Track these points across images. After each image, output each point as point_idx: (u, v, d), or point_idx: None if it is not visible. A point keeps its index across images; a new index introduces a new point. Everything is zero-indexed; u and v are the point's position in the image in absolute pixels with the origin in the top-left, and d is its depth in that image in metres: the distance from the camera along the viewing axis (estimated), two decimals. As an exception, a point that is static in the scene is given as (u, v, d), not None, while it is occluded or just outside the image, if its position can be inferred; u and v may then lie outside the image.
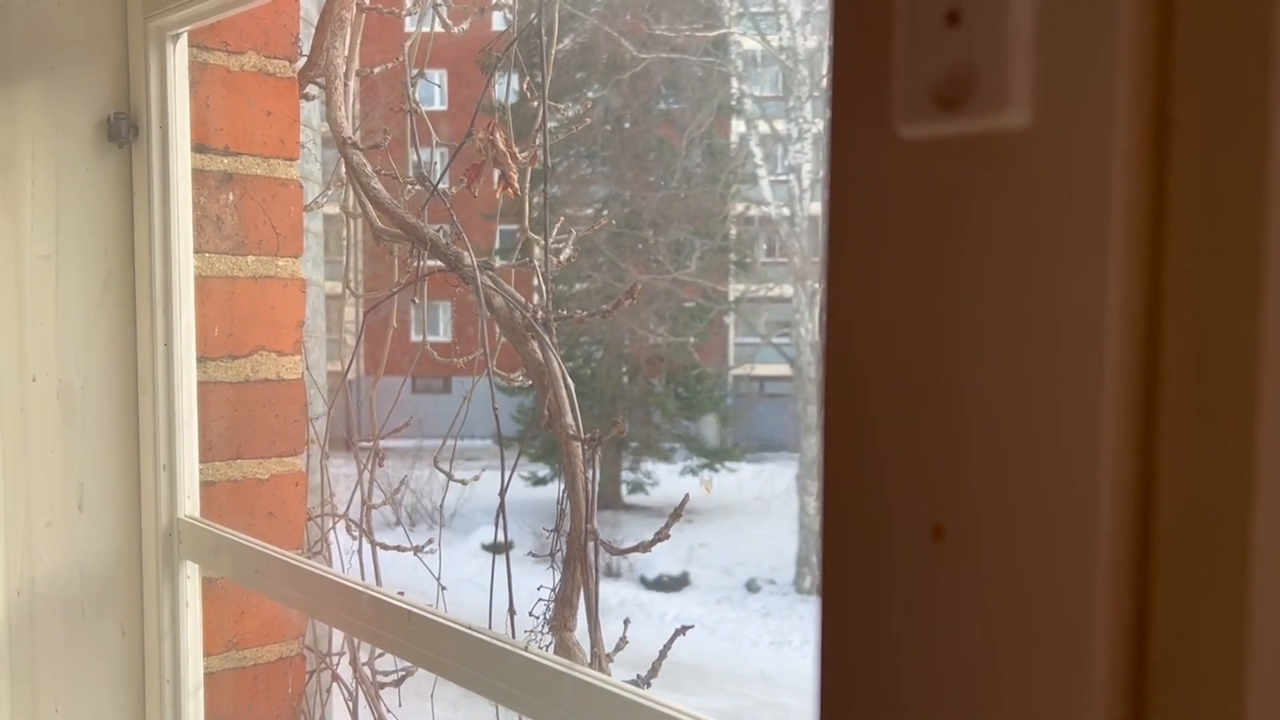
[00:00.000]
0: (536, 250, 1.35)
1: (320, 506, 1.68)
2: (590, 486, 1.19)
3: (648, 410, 13.34)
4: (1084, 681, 0.29)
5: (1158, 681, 0.29)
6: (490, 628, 0.99)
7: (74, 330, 1.35)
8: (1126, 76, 0.28)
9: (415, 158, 1.46)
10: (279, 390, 1.46)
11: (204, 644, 1.38)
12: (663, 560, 10.66)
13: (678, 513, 1.16)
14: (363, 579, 1.41)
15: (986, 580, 0.31)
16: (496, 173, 1.32)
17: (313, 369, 2.15)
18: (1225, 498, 0.28)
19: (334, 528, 1.66)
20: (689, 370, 13.38)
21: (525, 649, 0.91)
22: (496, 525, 1.24)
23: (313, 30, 1.55)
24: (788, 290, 12.05)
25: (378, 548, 1.54)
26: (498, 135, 1.30)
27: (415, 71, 1.53)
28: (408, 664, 1.37)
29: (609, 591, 9.74)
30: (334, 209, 1.93)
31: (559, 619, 1.19)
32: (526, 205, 1.37)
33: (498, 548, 1.19)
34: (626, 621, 1.25)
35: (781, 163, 11.86)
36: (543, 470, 12.16)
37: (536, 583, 1.24)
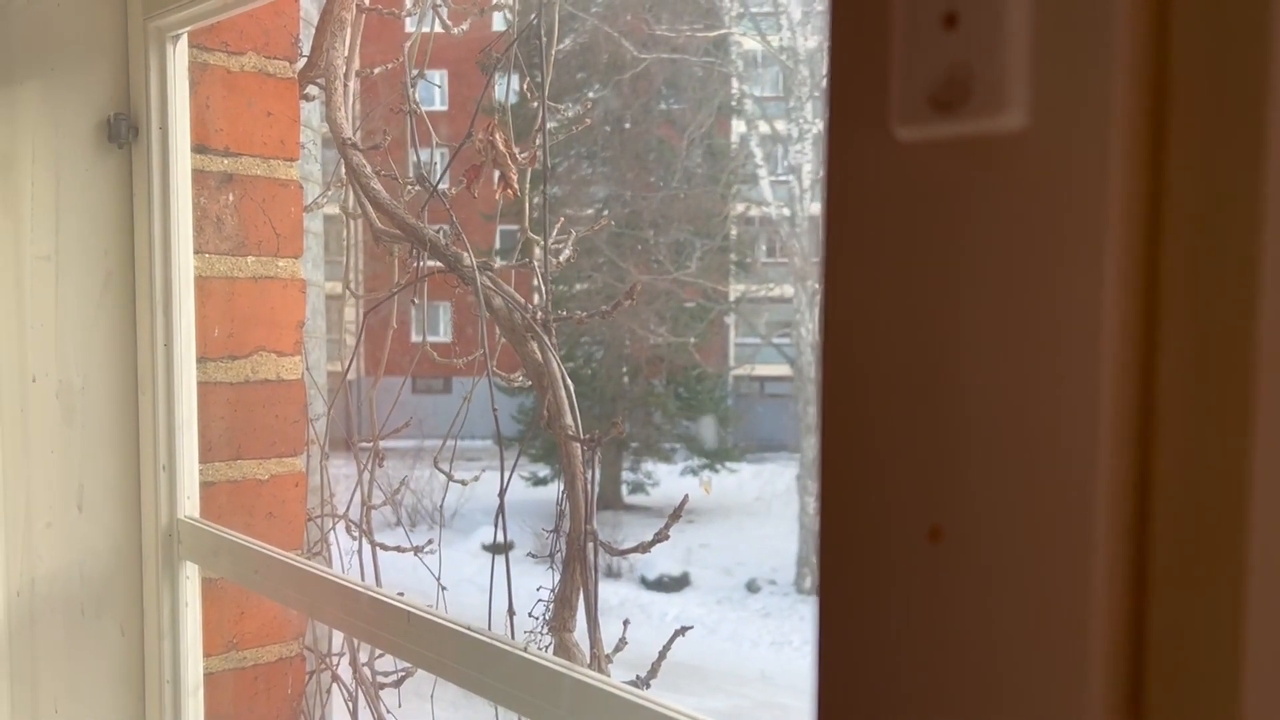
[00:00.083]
0: (536, 251, 1.35)
1: (320, 507, 1.69)
2: (590, 487, 1.19)
3: (648, 410, 13.34)
4: (1081, 682, 0.29)
5: (1155, 681, 0.29)
6: (490, 628, 0.99)
7: (74, 330, 1.35)
8: (1123, 78, 0.28)
9: (415, 158, 1.46)
10: (279, 391, 1.46)
11: (204, 644, 1.38)
12: (663, 561, 10.66)
13: (677, 513, 1.16)
14: (362, 579, 1.41)
15: (984, 581, 0.31)
16: (496, 173, 1.32)
17: (313, 369, 2.15)
18: (1222, 498, 0.28)
19: (334, 528, 1.66)
20: (689, 370, 13.38)
21: (525, 650, 0.91)
22: (496, 526, 1.24)
23: (313, 31, 1.55)
24: (788, 290, 12.05)
25: (378, 548, 1.54)
26: (497, 136, 1.30)
27: (415, 72, 1.53)
28: (407, 664, 1.37)
29: (609, 592, 9.74)
30: (334, 209, 1.93)
31: (558, 620, 1.19)
32: (526, 206, 1.37)
33: (497, 548, 1.19)
34: (626, 622, 1.25)
35: (782, 163, 11.86)
36: (543, 470, 12.16)
37: (536, 583, 1.24)
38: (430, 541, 1.55)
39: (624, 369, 13.26)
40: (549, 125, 1.31)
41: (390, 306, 1.60)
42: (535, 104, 1.32)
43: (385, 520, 1.72)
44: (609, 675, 1.01)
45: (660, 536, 1.14)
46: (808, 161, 10.97)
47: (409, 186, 1.51)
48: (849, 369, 0.34)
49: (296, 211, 1.47)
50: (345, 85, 1.45)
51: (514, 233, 1.56)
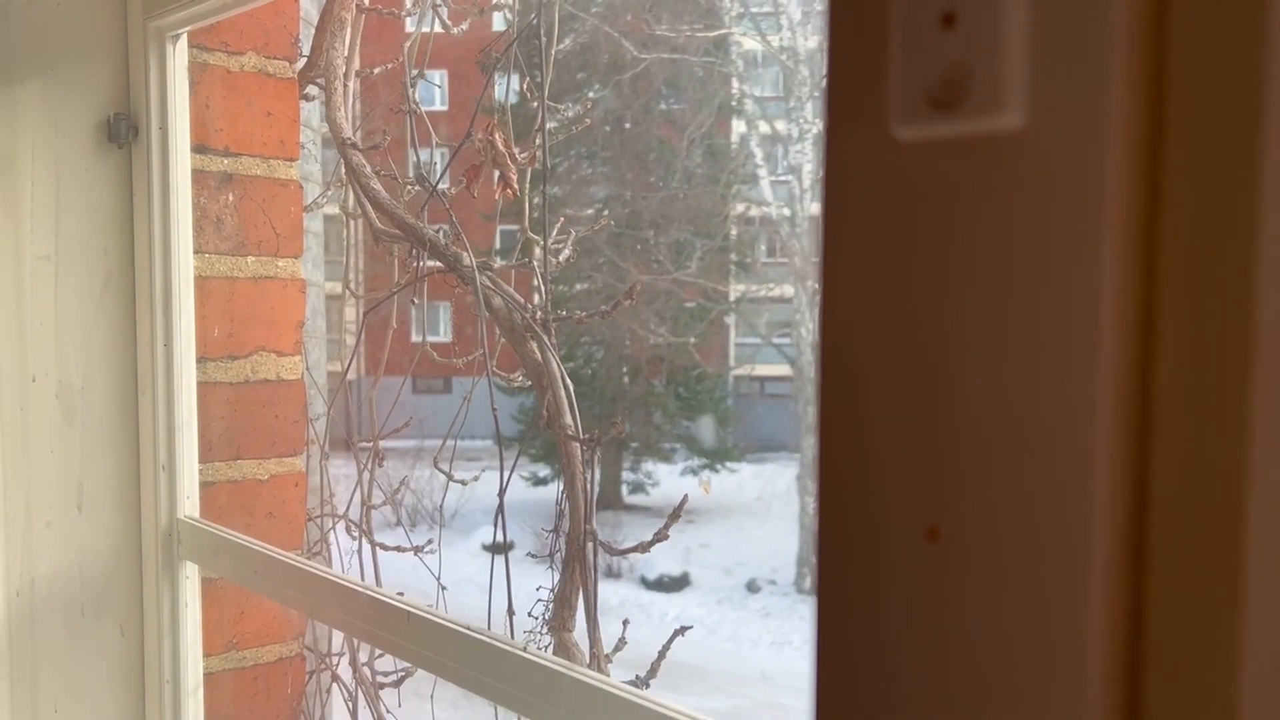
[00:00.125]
0: (536, 251, 1.35)
1: (320, 507, 1.69)
2: (589, 486, 1.19)
3: (648, 411, 13.34)
4: (1079, 681, 0.29)
5: (1153, 681, 0.29)
6: (489, 628, 0.99)
7: (74, 330, 1.35)
8: (1121, 78, 0.28)
9: (415, 158, 1.46)
10: (279, 390, 1.46)
11: (204, 644, 1.38)
12: (663, 561, 10.66)
13: (676, 513, 1.16)
14: (362, 579, 1.41)
15: (982, 580, 0.31)
16: (496, 173, 1.32)
17: (313, 369, 2.15)
18: (1220, 497, 0.28)
19: (334, 528, 1.66)
20: (689, 370, 13.38)
21: (524, 649, 0.91)
22: (496, 526, 1.24)
23: (313, 30, 1.55)
24: (788, 290, 12.05)
25: (378, 548, 1.54)
26: (497, 136, 1.30)
27: (415, 72, 1.53)
28: (407, 664, 1.37)
29: (610, 592, 9.74)
30: (334, 209, 1.93)
31: (558, 619, 1.19)
32: (526, 206, 1.37)
33: (497, 548, 1.19)
34: (625, 622, 1.25)
35: (782, 163, 11.87)
36: (543, 470, 12.16)
37: (536, 583, 1.24)
38: (430, 541, 1.55)
39: (624, 369, 13.26)
40: (549, 125, 1.31)
41: (390, 306, 1.60)
42: (535, 104, 1.32)
43: (385, 520, 1.72)
44: (608, 675, 1.01)
45: (660, 536, 1.14)
46: (808, 161, 10.97)
47: (409, 186, 1.51)
48: (847, 368, 0.34)
49: (296, 211, 1.47)
50: (345, 85, 1.45)
51: (514, 233, 1.56)
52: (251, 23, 1.41)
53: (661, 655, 1.16)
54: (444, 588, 1.49)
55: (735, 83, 12.82)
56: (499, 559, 1.18)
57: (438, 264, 1.35)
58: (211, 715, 1.39)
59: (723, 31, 11.88)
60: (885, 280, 0.33)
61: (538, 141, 1.31)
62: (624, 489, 13.18)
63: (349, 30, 1.47)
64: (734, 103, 12.95)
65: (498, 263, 1.34)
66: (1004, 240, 0.30)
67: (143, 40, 1.32)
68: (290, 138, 1.45)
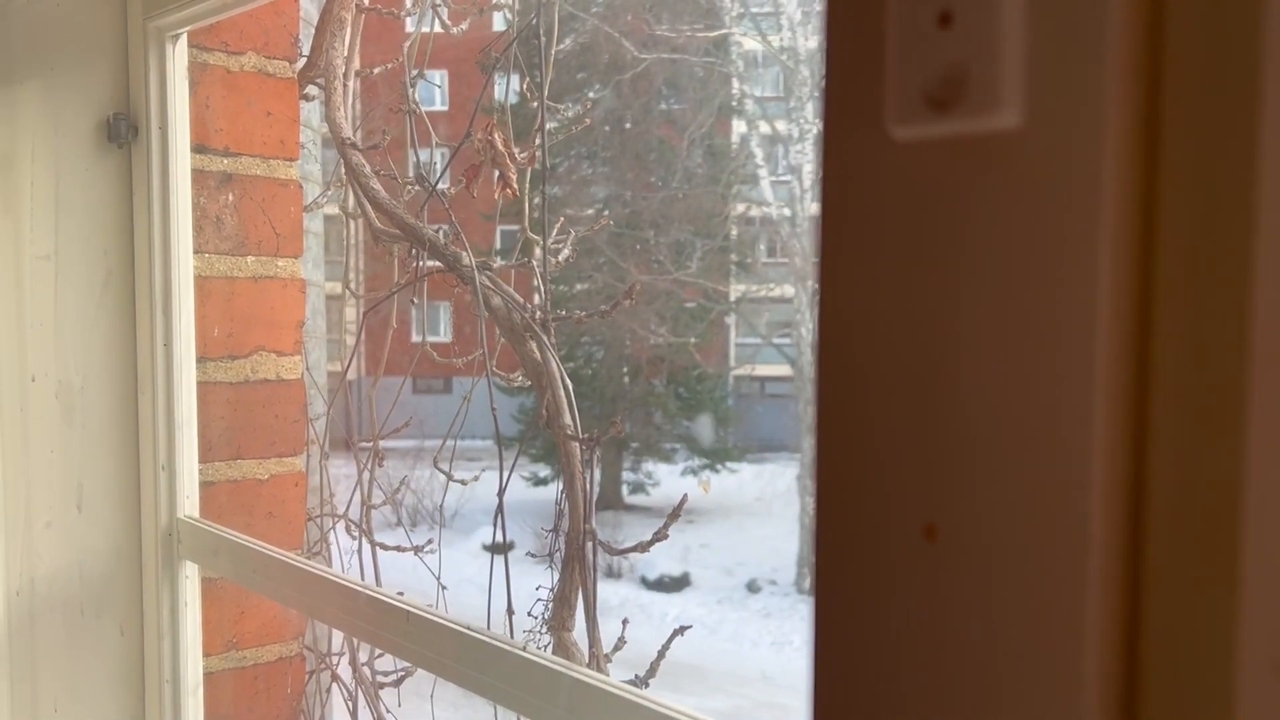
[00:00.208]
0: (536, 251, 1.35)
1: (320, 507, 1.69)
2: (589, 486, 1.19)
3: (649, 411, 13.34)
4: (1076, 681, 0.29)
5: (1150, 680, 0.29)
6: (489, 628, 0.99)
7: (74, 330, 1.35)
8: (1118, 77, 0.28)
9: (415, 158, 1.46)
10: (279, 390, 1.46)
11: (204, 644, 1.38)
12: (664, 561, 10.65)
13: (676, 513, 1.16)
14: (362, 579, 1.41)
15: (979, 579, 0.31)
16: (496, 173, 1.32)
17: (313, 369, 2.15)
18: (1217, 497, 0.28)
19: (334, 528, 1.66)
20: (690, 371, 13.38)
21: (523, 649, 0.91)
22: (495, 525, 1.24)
23: (313, 30, 1.55)
24: (789, 290, 12.06)
25: (377, 548, 1.54)
26: (496, 135, 1.30)
27: (415, 72, 1.53)
28: (407, 664, 1.37)
29: (610, 592, 9.74)
30: (334, 209, 1.94)
31: (557, 619, 1.19)
32: (526, 206, 1.37)
33: (497, 548, 1.19)
34: (625, 622, 1.25)
35: (782, 163, 11.87)
36: (543, 470, 12.15)
37: (536, 583, 1.24)
38: (430, 541, 1.55)
39: (624, 369, 13.26)
40: (549, 125, 1.31)
41: (390, 306, 1.60)
42: (535, 104, 1.32)
43: (385, 520, 1.72)
44: (608, 675, 1.01)
45: (659, 536, 1.14)
46: (808, 162, 10.98)
47: (408, 186, 1.51)
48: (845, 367, 0.34)
49: (296, 211, 1.47)
50: (345, 85, 1.45)
51: (514, 233, 1.56)
52: (251, 23, 1.41)
53: (661, 655, 1.16)
54: (444, 587, 1.49)
55: (735, 83, 12.82)
56: (499, 559, 1.18)
57: (437, 264, 1.35)
58: (211, 715, 1.39)
59: (723, 31, 11.88)
60: (883, 279, 0.33)
61: (537, 141, 1.31)
62: (624, 489, 13.18)
63: (349, 30, 1.47)
64: (734, 103, 12.95)
65: (497, 262, 1.34)
66: (1001, 239, 0.30)
67: (142, 40, 1.32)
68: (290, 138, 1.45)
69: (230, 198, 1.41)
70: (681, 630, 1.20)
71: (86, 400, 1.36)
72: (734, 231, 13.42)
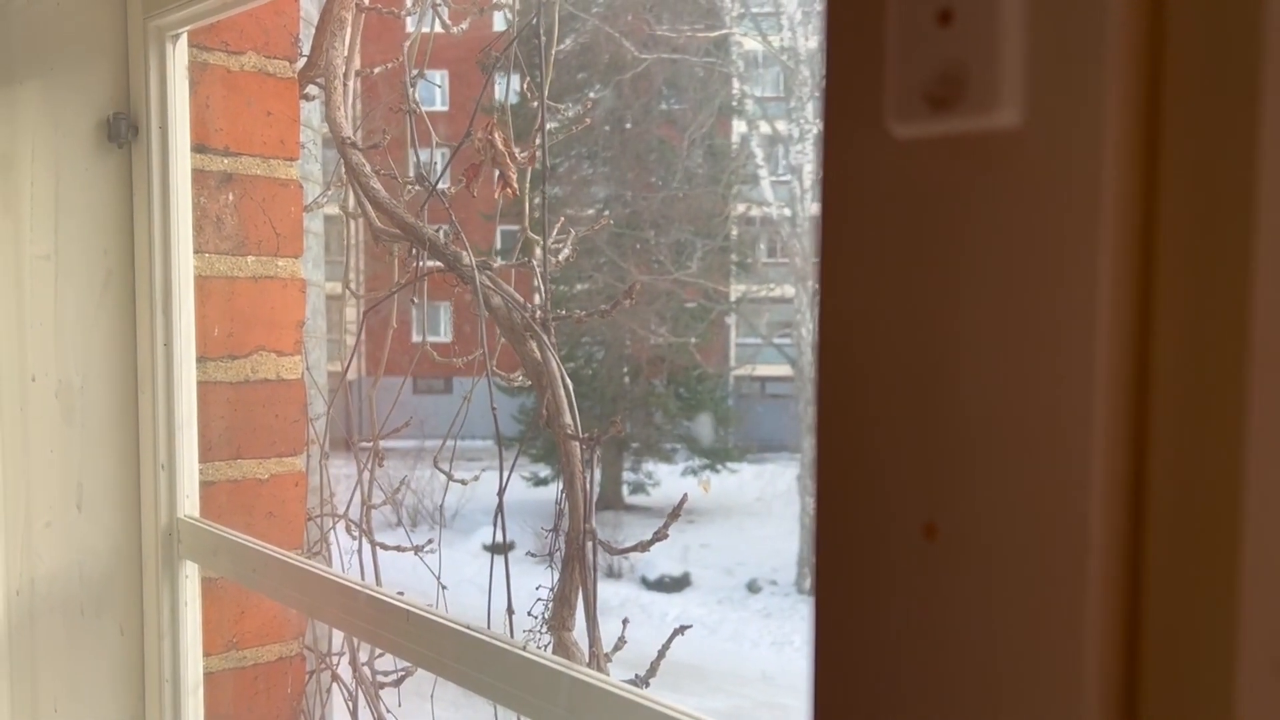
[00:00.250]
0: (536, 250, 1.35)
1: (320, 506, 1.69)
2: (589, 486, 1.19)
3: (649, 411, 13.34)
4: (1076, 680, 0.29)
5: (1150, 680, 0.29)
6: (489, 628, 0.99)
7: (74, 330, 1.35)
8: (1118, 75, 0.28)
9: (415, 158, 1.46)
10: (279, 390, 1.46)
11: (204, 644, 1.38)
12: (664, 560, 10.66)
13: (676, 513, 1.16)
14: (362, 579, 1.41)
15: (979, 578, 0.31)
16: (496, 173, 1.32)
17: (313, 369, 2.15)
18: (1217, 497, 0.28)
19: (334, 528, 1.66)
20: (690, 371, 13.38)
21: (524, 648, 0.91)
22: (496, 525, 1.24)
23: (313, 30, 1.55)
24: (789, 291, 12.06)
25: (378, 548, 1.54)
26: (496, 135, 1.30)
27: (415, 72, 1.53)
28: (407, 664, 1.37)
29: (610, 592, 9.74)
30: (334, 209, 1.94)
31: (557, 619, 1.19)
32: (526, 205, 1.37)
33: (497, 548, 1.19)
34: (625, 621, 1.25)
35: (783, 163, 11.87)
36: (543, 470, 12.15)
37: (536, 582, 1.24)
38: (430, 541, 1.55)
39: (625, 369, 13.26)
40: (549, 125, 1.31)
41: (390, 306, 1.60)
42: (535, 104, 1.32)
43: (385, 520, 1.72)
44: (608, 674, 1.00)
45: (659, 535, 1.14)
46: (808, 162, 10.98)
47: (409, 186, 1.51)
48: (845, 366, 0.34)
49: (296, 211, 1.47)
50: (345, 85, 1.45)
51: (514, 233, 1.56)
52: (251, 22, 1.41)
53: (661, 654, 1.16)
54: (444, 587, 1.49)
55: (736, 83, 12.83)
56: (499, 558, 1.18)
57: (438, 264, 1.35)
58: (211, 715, 1.39)
59: (723, 32, 11.89)
60: (883, 279, 0.33)
61: (538, 141, 1.31)
62: (624, 489, 13.18)
63: (349, 30, 1.47)
64: (734, 103, 12.95)
65: (498, 262, 1.34)
66: (1001, 238, 0.30)
67: (143, 40, 1.32)
68: (290, 137, 1.45)
69: (230, 197, 1.41)
70: (682, 630, 1.20)
71: (86, 400, 1.36)
72: (734, 231, 13.43)
